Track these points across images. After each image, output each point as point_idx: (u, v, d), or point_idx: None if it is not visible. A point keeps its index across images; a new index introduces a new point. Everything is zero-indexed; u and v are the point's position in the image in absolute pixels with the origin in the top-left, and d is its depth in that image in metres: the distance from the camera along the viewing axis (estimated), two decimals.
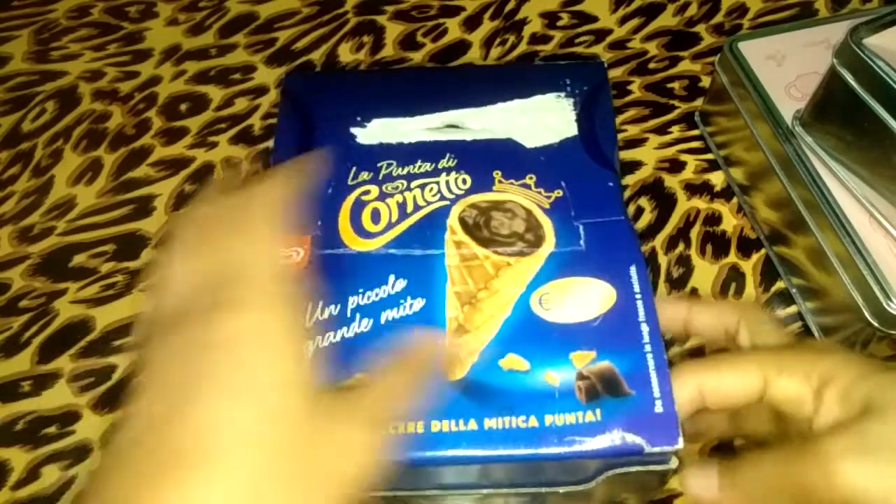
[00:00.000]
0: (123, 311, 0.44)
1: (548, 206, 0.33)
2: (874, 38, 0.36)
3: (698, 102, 0.50)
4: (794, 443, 0.25)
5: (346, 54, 0.54)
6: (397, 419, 0.27)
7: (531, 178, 0.34)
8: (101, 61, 0.55)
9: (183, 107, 0.52)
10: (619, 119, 0.50)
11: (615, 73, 0.52)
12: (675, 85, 0.51)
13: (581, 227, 0.32)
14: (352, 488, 0.23)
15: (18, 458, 0.40)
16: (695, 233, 0.45)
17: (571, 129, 0.35)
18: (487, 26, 0.55)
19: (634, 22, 0.55)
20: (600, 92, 0.36)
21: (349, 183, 0.34)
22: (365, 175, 0.34)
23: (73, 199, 0.49)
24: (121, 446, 0.22)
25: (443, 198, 0.34)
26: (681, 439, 0.27)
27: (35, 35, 0.57)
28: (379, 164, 0.35)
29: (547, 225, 0.32)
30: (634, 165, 0.48)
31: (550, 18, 0.55)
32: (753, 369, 0.26)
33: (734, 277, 0.44)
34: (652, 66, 0.52)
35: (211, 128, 0.51)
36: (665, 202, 0.47)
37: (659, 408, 0.28)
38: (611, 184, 0.33)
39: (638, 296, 0.30)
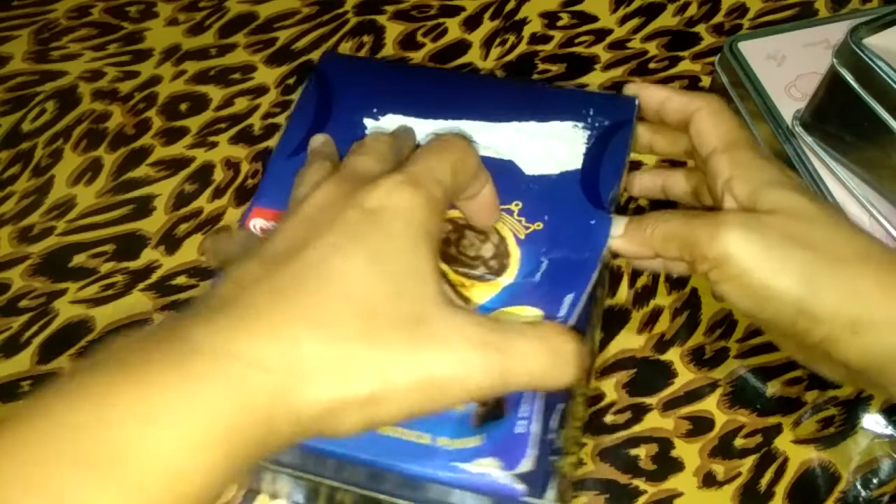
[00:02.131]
0: (123, 311, 0.44)
1: (523, 237, 0.32)
2: (874, 38, 0.36)
3: None
4: (699, 211, 0.30)
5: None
6: (525, 377, 0.24)
7: (517, 205, 0.33)
8: (101, 61, 0.55)
9: (183, 107, 0.52)
10: None
11: (615, 73, 0.52)
12: (675, 85, 0.51)
13: (546, 262, 0.31)
14: (443, 390, 0.23)
15: None
16: None
17: (575, 163, 0.34)
18: (487, 26, 0.55)
19: (634, 22, 0.55)
20: (621, 128, 0.35)
21: None
22: None
23: (73, 199, 0.49)
24: (246, 268, 0.24)
25: None
26: (528, 460, 0.26)
27: (35, 35, 0.57)
28: None
29: (515, 256, 0.31)
30: (635, 166, 0.48)
31: (550, 18, 0.55)
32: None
33: None
34: (652, 66, 0.52)
35: (211, 128, 0.51)
36: (665, 202, 0.46)
37: (520, 428, 0.27)
38: (593, 222, 0.32)
39: (560, 319, 0.30)
